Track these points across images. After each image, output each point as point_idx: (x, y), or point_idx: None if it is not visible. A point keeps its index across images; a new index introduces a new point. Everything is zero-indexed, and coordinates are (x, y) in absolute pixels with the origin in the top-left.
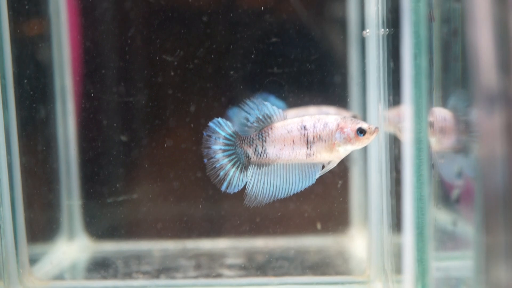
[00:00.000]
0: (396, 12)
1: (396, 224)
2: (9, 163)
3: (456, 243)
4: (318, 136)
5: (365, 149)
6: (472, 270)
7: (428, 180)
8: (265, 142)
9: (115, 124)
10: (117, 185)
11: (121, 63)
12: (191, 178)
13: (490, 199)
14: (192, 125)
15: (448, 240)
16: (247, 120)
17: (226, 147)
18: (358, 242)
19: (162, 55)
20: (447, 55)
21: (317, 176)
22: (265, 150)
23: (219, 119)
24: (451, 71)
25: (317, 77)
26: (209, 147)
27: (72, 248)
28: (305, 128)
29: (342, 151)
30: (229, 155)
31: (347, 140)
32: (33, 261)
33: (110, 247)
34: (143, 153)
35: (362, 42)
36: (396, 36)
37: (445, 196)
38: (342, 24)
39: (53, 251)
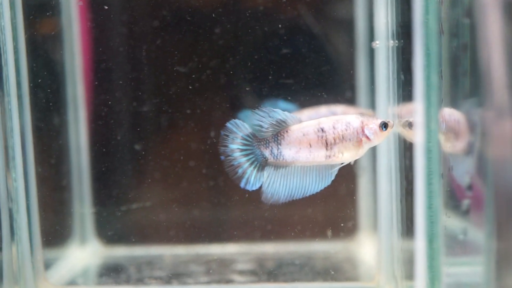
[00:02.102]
0: (406, 25)
1: (406, 230)
2: (25, 171)
3: (467, 249)
4: (341, 137)
5: (374, 156)
6: (483, 276)
7: (438, 189)
8: (280, 145)
9: (127, 132)
10: (129, 192)
11: (133, 71)
12: (203, 185)
13: (502, 205)
14: (204, 134)
15: (458, 246)
16: (261, 127)
17: (244, 147)
18: (367, 248)
19: (174, 64)
20: (456, 69)
21: (334, 175)
22: (280, 153)
23: (236, 120)
24: (460, 85)
25: (326, 87)
26: (226, 146)
27: (85, 253)
28: (323, 130)
29: (366, 148)
30: (247, 155)
31: (376, 135)
32: (47, 266)
33: (122, 252)
34: (155, 160)
35: (372, 53)
36: (406, 48)
37: (456, 204)
38: (351, 35)
39: (66, 256)
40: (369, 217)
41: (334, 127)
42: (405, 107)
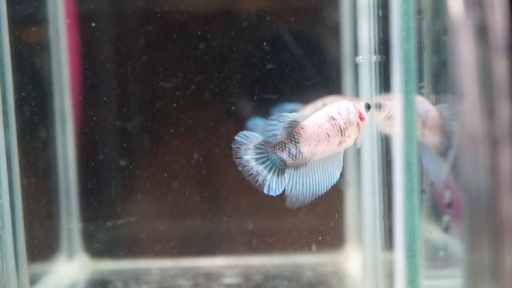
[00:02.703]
0: (388, 40)
1: (390, 244)
2: (10, 186)
3: (447, 262)
4: (348, 121)
5: (359, 170)
6: None
7: (419, 204)
8: (298, 143)
9: (115, 147)
10: (117, 206)
11: (121, 86)
12: (189, 199)
13: (475, 219)
14: (191, 149)
15: (439, 258)
16: (275, 135)
17: (258, 156)
18: (354, 261)
19: (161, 79)
20: (437, 85)
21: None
22: (299, 151)
23: (245, 133)
24: (441, 102)
25: (311, 100)
26: (241, 157)
27: (72, 267)
28: (333, 118)
29: (361, 129)
30: (263, 162)
31: (366, 116)
32: (33, 281)
33: (109, 266)
34: (142, 175)
35: (356, 67)
36: (388, 64)
37: (438, 219)
38: (336, 49)
39: (52, 270)
40: (356, 231)
41: (340, 113)
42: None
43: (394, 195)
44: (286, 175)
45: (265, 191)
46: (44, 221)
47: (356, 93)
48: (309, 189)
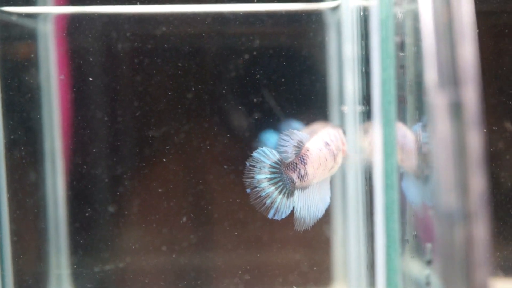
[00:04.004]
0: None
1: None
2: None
3: None
4: (338, 147)
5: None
6: None
7: (399, 238)
8: (306, 164)
9: (105, 194)
10: (106, 250)
11: (112, 125)
12: (183, 242)
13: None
14: (186, 199)
15: None
16: (287, 152)
17: (272, 175)
18: None
19: (152, 129)
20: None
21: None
22: (306, 173)
23: (264, 149)
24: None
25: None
26: (253, 177)
27: None
28: (328, 144)
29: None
30: (275, 183)
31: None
32: None
33: None
34: (134, 216)
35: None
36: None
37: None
38: (324, 99)
39: None
40: (342, 265)
41: (331, 140)
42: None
43: (374, 228)
44: (295, 197)
45: (270, 215)
46: (33, 264)
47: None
48: (313, 212)
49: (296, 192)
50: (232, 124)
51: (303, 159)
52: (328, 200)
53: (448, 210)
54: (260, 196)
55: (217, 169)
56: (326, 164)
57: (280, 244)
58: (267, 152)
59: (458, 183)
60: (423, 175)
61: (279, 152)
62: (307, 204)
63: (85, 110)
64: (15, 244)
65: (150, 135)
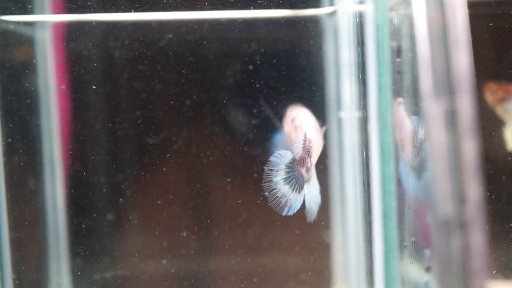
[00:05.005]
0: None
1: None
2: None
3: None
4: (322, 138)
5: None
6: None
7: (398, 243)
8: (312, 156)
9: (104, 201)
10: (106, 258)
11: (110, 133)
12: (182, 250)
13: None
14: (187, 209)
15: None
16: (298, 149)
17: (287, 175)
18: None
19: (151, 137)
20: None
21: None
22: (311, 164)
23: (280, 151)
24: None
25: None
26: (271, 180)
27: None
28: (316, 127)
29: None
30: (290, 182)
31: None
32: None
33: None
34: (134, 226)
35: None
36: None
37: (419, 258)
38: (321, 105)
39: None
40: (342, 270)
41: (316, 129)
42: None
43: (373, 234)
44: (304, 190)
45: (284, 213)
46: (33, 273)
47: (340, 146)
48: (316, 200)
49: (305, 185)
50: (233, 130)
51: (309, 152)
52: (317, 183)
53: (445, 218)
54: (277, 197)
55: (217, 176)
56: (319, 151)
57: (280, 250)
58: (283, 154)
59: (454, 191)
60: (417, 168)
61: (292, 151)
62: (312, 194)
63: (84, 117)
64: (14, 251)
65: (150, 143)
